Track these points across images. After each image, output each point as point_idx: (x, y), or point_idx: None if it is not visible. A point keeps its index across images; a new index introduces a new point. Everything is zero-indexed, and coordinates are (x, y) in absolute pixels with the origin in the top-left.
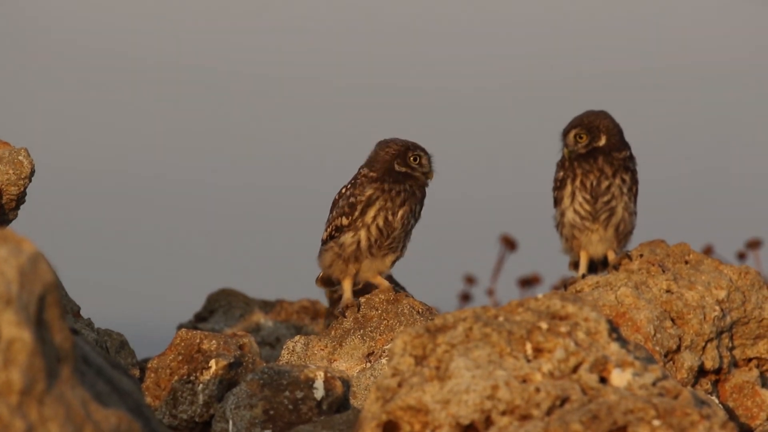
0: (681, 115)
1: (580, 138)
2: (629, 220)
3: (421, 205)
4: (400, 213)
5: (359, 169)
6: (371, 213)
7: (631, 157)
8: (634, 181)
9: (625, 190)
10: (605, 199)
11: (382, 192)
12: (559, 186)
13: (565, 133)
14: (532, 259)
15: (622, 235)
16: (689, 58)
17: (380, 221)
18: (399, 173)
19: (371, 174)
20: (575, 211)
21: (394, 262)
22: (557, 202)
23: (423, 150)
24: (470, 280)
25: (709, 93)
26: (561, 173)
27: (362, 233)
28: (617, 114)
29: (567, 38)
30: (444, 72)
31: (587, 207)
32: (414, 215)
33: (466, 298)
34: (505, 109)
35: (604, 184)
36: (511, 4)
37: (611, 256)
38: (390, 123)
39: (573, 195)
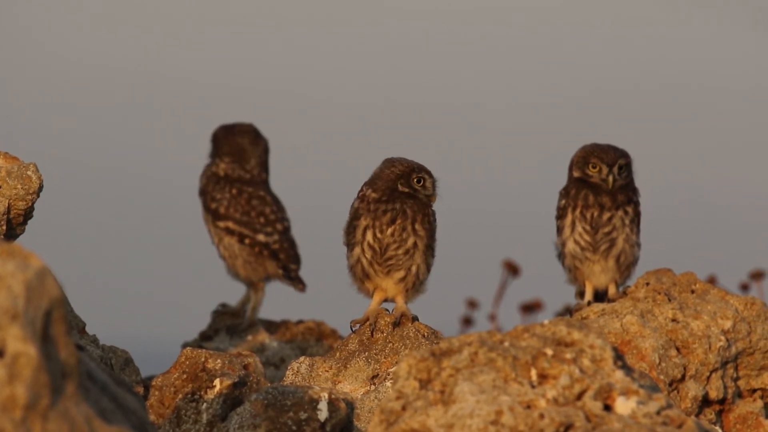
0: (685, 144)
1: (621, 170)
2: (630, 251)
3: (427, 224)
4: (389, 231)
5: (361, 187)
6: (359, 231)
7: (635, 189)
8: (637, 213)
9: (627, 221)
10: (606, 230)
11: (367, 211)
12: (560, 215)
13: (612, 163)
14: (537, 283)
15: (624, 266)
16: (697, 84)
17: (370, 238)
18: (401, 193)
19: (372, 195)
20: (575, 242)
21: (405, 281)
22: (559, 231)
23: (428, 173)
24: (472, 304)
25: (715, 121)
26: (563, 201)
27: (357, 250)
28: (619, 141)
29: (573, 57)
30: (444, 89)
31: (587, 237)
32: (415, 233)
33: (468, 322)
34: (511, 131)
35: (606, 215)
36: (518, 25)
37: (612, 290)
38: (391, 141)
39: (573, 225)
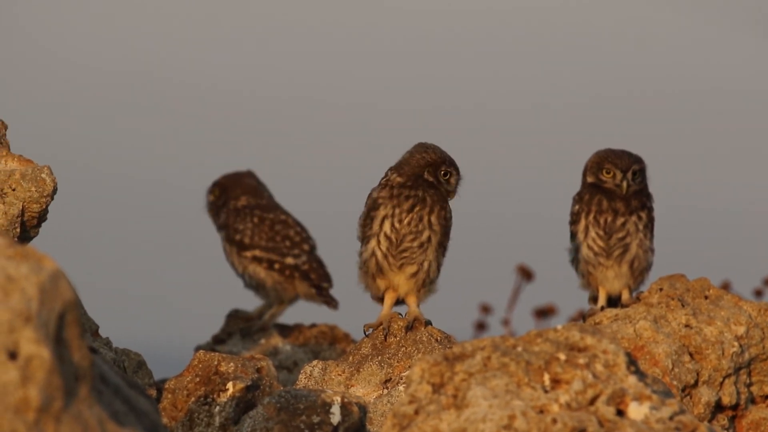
0: (697, 148)
1: (635, 175)
2: (644, 257)
3: (443, 220)
4: (407, 220)
5: (386, 172)
6: (377, 222)
7: (649, 195)
8: (651, 219)
9: (641, 227)
10: (620, 235)
11: (389, 197)
12: (574, 220)
13: (626, 169)
14: (550, 288)
15: (638, 272)
16: (704, 87)
17: (387, 229)
18: (425, 181)
19: (397, 179)
20: (589, 247)
21: (416, 277)
22: (572, 236)
23: (457, 169)
24: (486, 308)
25: (729, 124)
26: (576, 207)
27: (373, 242)
28: (633, 147)
29: (581, 62)
30: (452, 92)
31: (600, 243)
32: (430, 227)
33: (481, 326)
34: (522, 134)
35: (620, 220)
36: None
37: (625, 296)
38: (397, 145)
39: (586, 230)
